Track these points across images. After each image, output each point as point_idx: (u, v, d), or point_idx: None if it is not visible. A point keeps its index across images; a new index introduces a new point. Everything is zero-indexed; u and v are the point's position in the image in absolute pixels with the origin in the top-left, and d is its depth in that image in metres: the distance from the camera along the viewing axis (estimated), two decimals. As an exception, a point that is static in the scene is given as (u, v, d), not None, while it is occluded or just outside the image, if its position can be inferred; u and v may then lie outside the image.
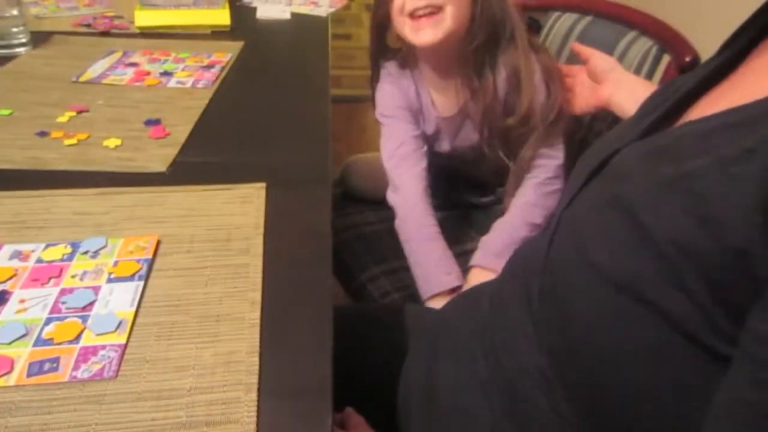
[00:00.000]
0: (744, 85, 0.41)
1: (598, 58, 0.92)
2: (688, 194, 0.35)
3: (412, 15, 0.90)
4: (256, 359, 0.46)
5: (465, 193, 1.22)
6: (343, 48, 3.94)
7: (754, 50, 0.43)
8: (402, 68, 1.05)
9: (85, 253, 0.55)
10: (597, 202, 0.43)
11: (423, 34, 0.91)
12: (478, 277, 0.94)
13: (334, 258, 1.14)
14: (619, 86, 0.86)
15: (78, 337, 0.45)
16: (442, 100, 1.04)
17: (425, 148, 1.05)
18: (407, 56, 1.04)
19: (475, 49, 0.94)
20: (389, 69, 1.07)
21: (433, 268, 0.94)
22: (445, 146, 1.08)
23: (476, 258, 0.97)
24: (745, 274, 0.32)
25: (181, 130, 0.80)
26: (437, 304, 0.88)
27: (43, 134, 0.76)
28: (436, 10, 0.89)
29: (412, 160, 1.02)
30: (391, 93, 1.06)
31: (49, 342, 0.45)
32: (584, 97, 0.95)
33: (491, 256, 0.95)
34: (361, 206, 1.22)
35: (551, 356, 0.48)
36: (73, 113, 0.82)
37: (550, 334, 0.48)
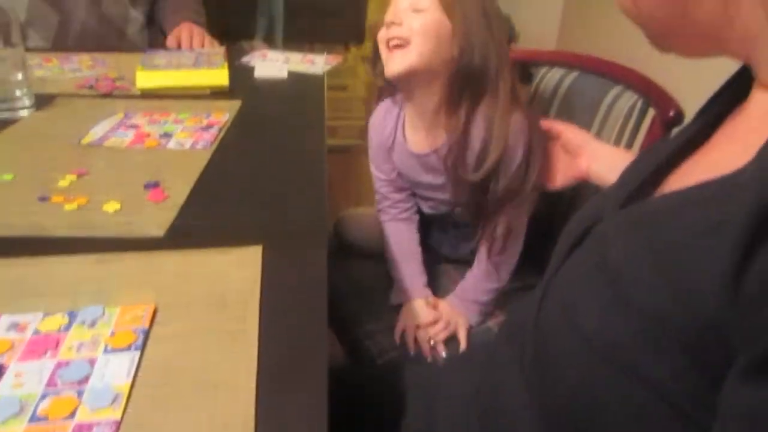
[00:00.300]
0: (716, 154, 0.43)
1: (571, 133, 0.93)
2: (664, 265, 0.36)
3: (388, 45, 0.95)
4: (251, 427, 0.45)
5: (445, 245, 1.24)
6: (339, 99, 4.02)
7: (726, 118, 0.44)
8: (393, 103, 1.10)
9: (83, 323, 0.55)
10: (583, 269, 0.44)
11: (390, 65, 0.94)
12: (447, 309, 1.07)
13: (331, 312, 1.14)
14: (597, 157, 0.88)
15: (73, 414, 0.45)
16: (416, 138, 1.07)
17: (409, 196, 1.10)
18: (397, 91, 1.09)
19: (452, 93, 0.96)
20: (385, 104, 1.12)
21: (408, 278, 1.09)
22: (421, 190, 1.13)
23: (451, 296, 1.09)
24: (721, 345, 0.33)
25: (179, 192, 0.81)
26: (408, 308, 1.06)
27: (44, 199, 0.78)
28: (403, 43, 0.92)
29: (394, 213, 1.15)
30: (372, 127, 1.15)
31: (43, 419, 0.45)
32: (562, 169, 0.95)
33: (460, 300, 1.07)
34: (360, 259, 1.22)
35: (544, 419, 0.48)
36: (74, 177, 0.84)
37: (542, 396, 0.49)
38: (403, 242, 1.15)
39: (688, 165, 0.46)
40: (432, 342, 1.03)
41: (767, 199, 0.30)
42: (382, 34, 0.97)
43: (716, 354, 0.33)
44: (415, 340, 1.04)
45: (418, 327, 1.03)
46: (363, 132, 3.45)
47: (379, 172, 1.17)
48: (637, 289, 0.37)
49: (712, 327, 0.33)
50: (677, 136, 0.49)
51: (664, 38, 0.42)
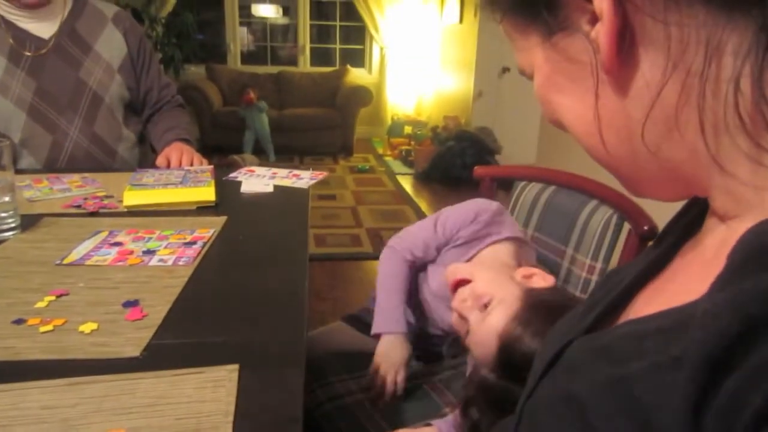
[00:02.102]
0: (677, 280, 0.43)
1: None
2: (627, 397, 0.36)
3: None
4: None
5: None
6: (328, 208, 4.10)
7: (682, 247, 0.46)
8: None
9: (48, 453, 0.54)
10: (551, 398, 0.44)
11: None
12: None
13: (316, 430, 1.11)
14: None
15: None
16: None
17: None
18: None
19: None
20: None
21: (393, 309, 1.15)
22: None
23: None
24: None
25: (158, 311, 0.81)
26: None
27: (19, 322, 0.77)
28: None
29: (403, 254, 1.22)
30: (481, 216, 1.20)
31: None
32: None
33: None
34: (343, 375, 1.20)
35: None
36: (53, 297, 0.84)
37: None
38: (398, 275, 1.19)
39: (650, 289, 0.47)
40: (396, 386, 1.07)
41: (716, 342, 0.30)
42: None
43: None
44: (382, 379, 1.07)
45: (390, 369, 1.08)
46: (353, 240, 3.49)
47: (429, 238, 1.20)
48: (601, 420, 0.37)
49: None
50: (639, 260, 0.50)
51: (636, 183, 0.43)
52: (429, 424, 1.04)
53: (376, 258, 3.47)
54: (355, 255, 3.28)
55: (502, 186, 1.49)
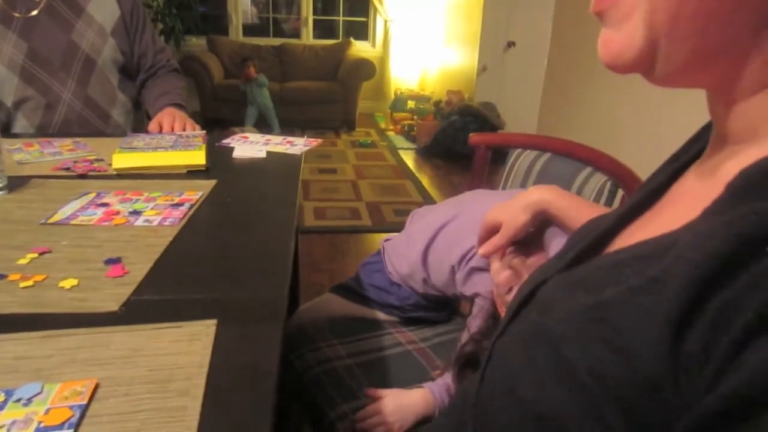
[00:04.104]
0: (660, 218, 0.43)
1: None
2: (603, 324, 0.35)
3: None
4: None
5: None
6: (328, 181, 4.09)
7: (672, 185, 0.45)
8: None
9: (18, 400, 0.53)
10: (524, 335, 0.43)
11: None
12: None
13: (305, 396, 1.11)
14: None
15: (-12, 496, 0.43)
16: None
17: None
18: None
19: None
20: None
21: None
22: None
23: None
24: (660, 406, 0.32)
25: (140, 269, 0.80)
26: None
27: (0, 277, 0.77)
28: None
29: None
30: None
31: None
32: None
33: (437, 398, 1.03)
34: (332, 340, 1.20)
35: None
36: (35, 255, 0.83)
37: None
38: None
39: (629, 230, 0.46)
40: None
41: (708, 260, 0.30)
42: None
43: (656, 420, 0.32)
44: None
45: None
46: (352, 213, 3.48)
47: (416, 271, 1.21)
48: (576, 350, 0.37)
49: (650, 388, 0.32)
50: (620, 207, 0.50)
51: (683, 72, 0.37)
52: (421, 387, 1.04)
53: (375, 231, 3.47)
54: (354, 228, 3.27)
55: (497, 159, 1.47)
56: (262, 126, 5.45)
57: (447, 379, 1.04)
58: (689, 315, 0.30)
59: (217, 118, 5.53)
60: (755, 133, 0.36)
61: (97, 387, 0.56)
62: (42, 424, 0.51)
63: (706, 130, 0.45)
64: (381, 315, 1.28)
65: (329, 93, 5.82)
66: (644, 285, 0.34)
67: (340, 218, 3.40)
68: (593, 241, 0.47)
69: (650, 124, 2.72)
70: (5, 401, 0.53)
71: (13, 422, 0.51)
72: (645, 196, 0.47)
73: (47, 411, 0.52)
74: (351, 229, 3.25)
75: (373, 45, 6.76)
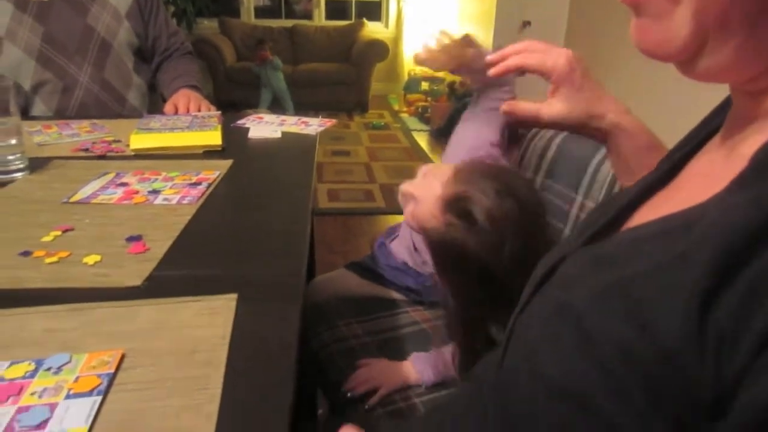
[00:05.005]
0: (680, 194, 0.43)
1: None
2: (627, 300, 0.35)
3: None
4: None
5: None
6: (343, 163, 4.10)
7: (688, 163, 0.45)
8: None
9: (48, 369, 0.55)
10: (545, 312, 0.44)
11: None
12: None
13: (320, 373, 1.13)
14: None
15: (24, 457, 0.45)
16: None
17: None
18: None
19: None
20: None
21: None
22: None
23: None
24: (684, 381, 0.32)
25: (160, 245, 0.82)
26: None
27: (26, 254, 0.79)
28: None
29: None
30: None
31: (-6, 463, 0.44)
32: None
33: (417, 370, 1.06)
34: (350, 319, 1.21)
35: None
36: (59, 232, 0.85)
37: None
38: None
39: (651, 204, 0.46)
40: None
41: (737, 235, 0.30)
42: None
43: (679, 397, 0.32)
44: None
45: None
46: (366, 195, 3.48)
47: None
48: (599, 326, 0.37)
49: (675, 365, 0.32)
50: (641, 181, 0.50)
51: (725, 69, 0.36)
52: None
53: (389, 213, 3.46)
54: (367, 210, 3.29)
55: (510, 139, 1.46)
56: (277, 109, 5.45)
57: (437, 355, 1.05)
58: (718, 288, 0.30)
59: (231, 100, 5.53)
60: None
61: (123, 357, 0.58)
62: (72, 391, 0.52)
63: (721, 110, 0.45)
64: (396, 295, 1.29)
65: (342, 75, 5.80)
66: (671, 260, 0.34)
67: (353, 200, 3.41)
68: (615, 215, 0.48)
69: (669, 106, 2.68)
70: (36, 370, 0.55)
71: (44, 389, 0.53)
72: (663, 173, 0.47)
73: (76, 379, 0.54)
74: (365, 211, 3.26)
75: (386, 25, 6.72)
